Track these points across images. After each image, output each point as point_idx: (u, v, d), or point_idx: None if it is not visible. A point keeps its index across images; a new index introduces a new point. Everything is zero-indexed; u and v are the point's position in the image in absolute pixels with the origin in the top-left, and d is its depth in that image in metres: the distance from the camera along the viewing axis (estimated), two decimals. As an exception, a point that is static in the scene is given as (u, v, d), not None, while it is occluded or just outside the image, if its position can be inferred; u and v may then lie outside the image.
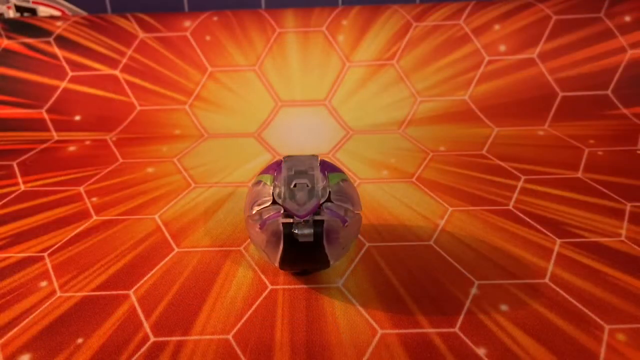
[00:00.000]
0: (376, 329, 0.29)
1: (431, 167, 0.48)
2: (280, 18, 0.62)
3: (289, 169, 0.26)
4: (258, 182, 0.28)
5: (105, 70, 0.60)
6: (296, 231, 0.24)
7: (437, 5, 0.63)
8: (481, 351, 0.27)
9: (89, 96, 0.60)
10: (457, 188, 0.44)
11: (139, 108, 0.59)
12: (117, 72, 0.60)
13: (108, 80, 0.60)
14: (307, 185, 0.25)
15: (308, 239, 0.24)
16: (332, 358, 0.27)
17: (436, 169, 0.48)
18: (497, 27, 0.61)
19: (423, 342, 0.28)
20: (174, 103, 0.59)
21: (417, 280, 0.32)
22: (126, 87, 0.60)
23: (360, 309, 0.30)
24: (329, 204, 0.26)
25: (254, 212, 0.26)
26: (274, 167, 0.28)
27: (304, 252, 0.25)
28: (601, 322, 0.29)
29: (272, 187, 0.26)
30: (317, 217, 0.24)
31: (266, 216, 0.25)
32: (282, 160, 0.27)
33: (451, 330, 0.28)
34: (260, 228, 0.25)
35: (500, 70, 0.60)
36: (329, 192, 0.26)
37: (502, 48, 0.60)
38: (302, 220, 0.24)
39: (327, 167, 0.28)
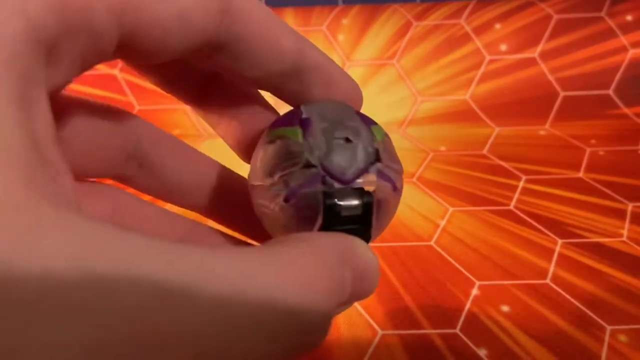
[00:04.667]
0: (376, 329, 0.28)
1: (432, 167, 0.48)
2: (280, 17, 0.62)
3: (321, 119, 0.19)
4: (275, 139, 0.19)
5: (104, 69, 0.60)
6: (340, 202, 0.17)
7: (437, 4, 0.63)
8: (482, 352, 0.27)
9: (88, 96, 0.59)
10: (458, 188, 0.44)
11: (138, 108, 0.59)
12: (116, 72, 0.60)
13: (107, 80, 0.60)
14: (350, 140, 0.18)
15: (355, 212, 0.18)
16: (332, 358, 0.26)
17: (437, 168, 0.48)
18: (498, 26, 0.61)
19: (423, 343, 0.27)
20: (173, 103, 0.59)
21: (417, 280, 0.32)
22: (125, 87, 0.60)
23: (360, 309, 0.30)
24: (378, 164, 0.19)
25: (275, 178, 0.18)
26: (293, 119, 0.19)
27: (346, 228, 0.18)
28: (603, 323, 0.29)
29: (302, 144, 0.18)
30: (366, 182, 0.18)
31: (296, 184, 0.18)
32: (299, 109, 0.19)
33: (452, 330, 0.28)
34: (286, 201, 0.18)
35: (501, 70, 0.60)
36: (377, 149, 0.19)
37: (503, 47, 0.60)
38: (348, 187, 0.17)
39: (367, 119, 0.21)
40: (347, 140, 0.18)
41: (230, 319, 0.09)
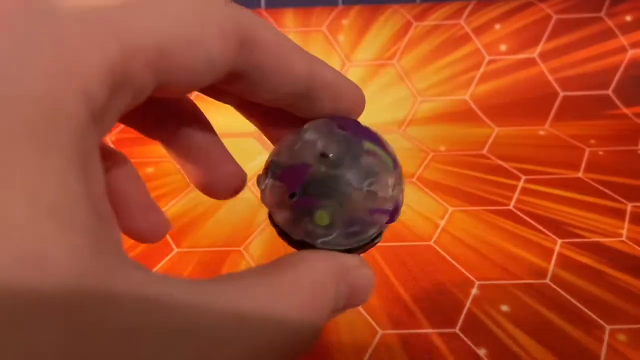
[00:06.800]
0: (376, 329, 0.28)
1: (431, 167, 0.48)
2: (280, 18, 0.62)
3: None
4: (371, 152, 0.16)
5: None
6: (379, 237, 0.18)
7: (437, 4, 0.63)
8: (482, 351, 0.27)
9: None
10: (458, 188, 0.44)
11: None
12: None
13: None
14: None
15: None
16: (332, 358, 0.26)
17: (436, 168, 0.48)
18: (497, 26, 0.61)
19: (423, 343, 0.28)
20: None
21: (417, 280, 0.32)
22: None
23: (360, 309, 0.30)
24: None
25: (364, 188, 0.16)
26: (374, 136, 0.17)
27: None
28: (602, 323, 0.29)
29: (393, 174, 0.17)
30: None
31: (376, 206, 0.17)
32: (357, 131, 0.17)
33: (451, 330, 0.28)
34: (372, 213, 0.17)
35: (500, 70, 0.60)
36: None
37: (503, 47, 0.60)
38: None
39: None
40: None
41: (235, 340, 0.11)
